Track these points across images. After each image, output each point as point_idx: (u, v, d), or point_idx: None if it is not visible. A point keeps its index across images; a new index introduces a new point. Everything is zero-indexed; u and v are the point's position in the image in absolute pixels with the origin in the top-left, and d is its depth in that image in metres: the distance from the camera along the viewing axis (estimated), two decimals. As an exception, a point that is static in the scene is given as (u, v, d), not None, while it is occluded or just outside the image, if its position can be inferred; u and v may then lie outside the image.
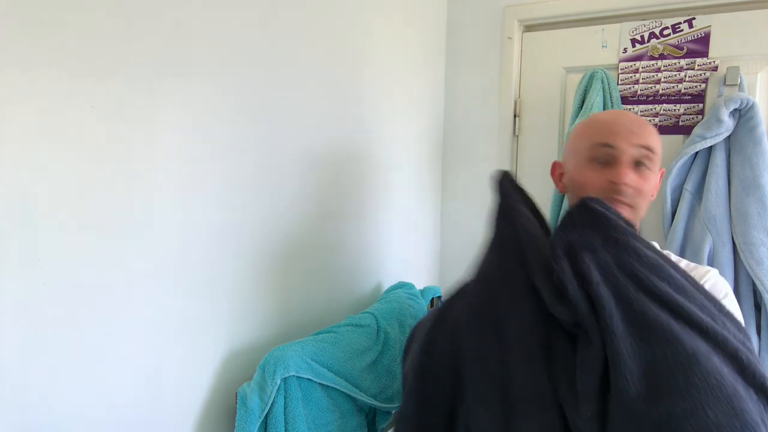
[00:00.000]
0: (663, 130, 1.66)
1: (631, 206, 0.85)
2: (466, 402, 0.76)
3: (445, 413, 0.80)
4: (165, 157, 0.95)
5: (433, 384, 0.82)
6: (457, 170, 1.99)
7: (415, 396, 0.83)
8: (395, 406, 1.37)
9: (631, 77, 1.69)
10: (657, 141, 0.88)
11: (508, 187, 0.85)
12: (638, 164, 0.86)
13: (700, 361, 0.60)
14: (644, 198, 0.87)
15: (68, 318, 0.82)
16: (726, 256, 1.47)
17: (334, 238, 1.41)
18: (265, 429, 1.07)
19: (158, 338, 0.97)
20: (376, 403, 1.27)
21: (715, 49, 1.58)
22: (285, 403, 1.08)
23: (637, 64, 1.68)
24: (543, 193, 1.82)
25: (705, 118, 1.53)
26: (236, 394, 1.07)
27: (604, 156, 0.86)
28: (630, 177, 0.84)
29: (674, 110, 1.64)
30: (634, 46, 1.68)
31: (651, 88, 1.67)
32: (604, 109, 1.64)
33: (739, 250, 1.45)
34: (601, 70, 1.66)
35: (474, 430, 0.74)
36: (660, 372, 0.60)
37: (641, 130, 0.85)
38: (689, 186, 1.54)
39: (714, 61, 1.58)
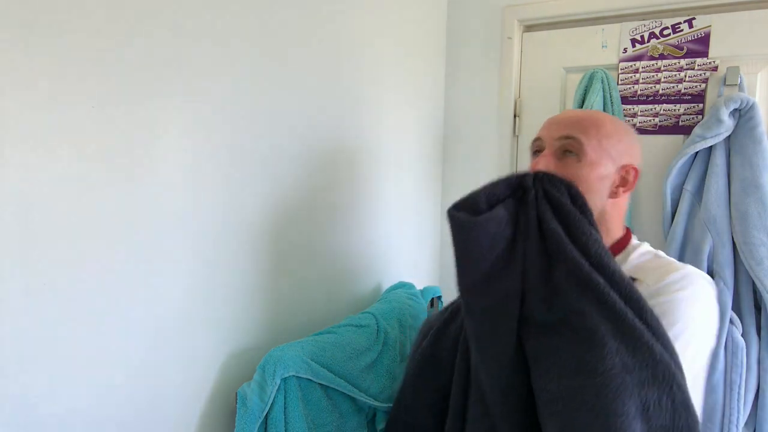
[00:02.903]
0: (663, 130, 1.66)
1: None
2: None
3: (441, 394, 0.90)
4: (165, 157, 0.95)
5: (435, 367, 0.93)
6: (457, 170, 1.99)
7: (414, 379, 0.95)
8: (395, 406, 1.37)
9: (631, 77, 1.69)
10: (590, 131, 0.87)
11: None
12: (563, 153, 0.87)
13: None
14: None
15: (68, 318, 0.82)
16: (726, 256, 1.47)
17: (334, 239, 1.41)
18: (265, 429, 1.07)
19: (158, 338, 0.97)
20: (375, 403, 1.27)
21: (715, 49, 1.58)
22: (285, 403, 1.08)
23: (637, 64, 1.68)
24: (543, 193, 1.82)
25: (705, 118, 1.53)
26: (236, 394, 1.07)
27: (536, 148, 0.93)
28: (542, 164, 0.86)
29: (674, 110, 1.64)
30: (634, 46, 1.68)
31: (651, 88, 1.67)
32: (604, 109, 1.64)
33: (739, 250, 1.45)
34: (601, 70, 1.66)
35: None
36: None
37: (571, 122, 0.88)
38: (689, 186, 1.54)
39: (714, 61, 1.58)
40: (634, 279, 0.83)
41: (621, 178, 0.88)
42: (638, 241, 0.95)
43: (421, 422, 0.95)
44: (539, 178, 0.81)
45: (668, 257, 0.91)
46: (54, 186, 0.79)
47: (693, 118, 1.62)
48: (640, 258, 0.90)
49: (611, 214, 0.90)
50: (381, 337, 1.34)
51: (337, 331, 1.26)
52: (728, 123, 1.46)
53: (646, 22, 1.66)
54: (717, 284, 1.47)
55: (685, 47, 1.62)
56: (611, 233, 0.91)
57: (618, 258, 0.89)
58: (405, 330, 1.43)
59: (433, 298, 1.65)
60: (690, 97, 1.62)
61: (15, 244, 0.75)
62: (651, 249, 0.93)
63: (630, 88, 1.69)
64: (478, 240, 0.73)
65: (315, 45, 1.29)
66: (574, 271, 0.71)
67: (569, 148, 0.87)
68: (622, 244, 0.92)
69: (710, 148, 1.51)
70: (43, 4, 0.76)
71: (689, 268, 0.85)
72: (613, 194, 0.88)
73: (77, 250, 0.83)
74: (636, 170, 0.89)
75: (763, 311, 1.45)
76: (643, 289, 0.81)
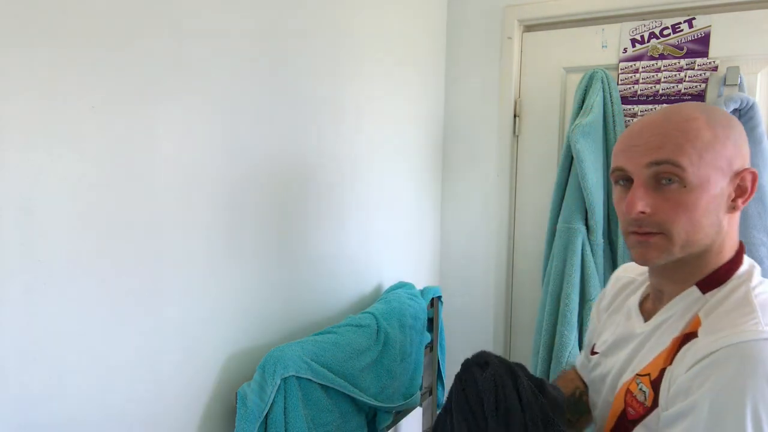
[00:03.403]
0: (663, 130, 1.66)
1: (661, 233, 0.71)
2: None
3: None
4: (165, 157, 0.95)
5: None
6: (457, 170, 1.99)
7: None
8: (395, 405, 1.37)
9: (631, 77, 1.69)
10: (686, 146, 0.69)
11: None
12: (659, 182, 0.71)
13: None
14: (685, 220, 0.70)
15: (68, 318, 0.82)
16: (726, 256, 1.47)
17: (334, 239, 1.41)
18: (265, 429, 1.07)
19: (158, 338, 0.97)
20: (376, 402, 1.27)
21: (715, 49, 1.58)
22: (285, 403, 1.08)
23: (637, 64, 1.68)
24: (543, 194, 1.83)
25: (705, 118, 1.53)
26: (236, 394, 1.07)
27: (620, 179, 0.76)
28: (641, 204, 0.71)
29: (674, 110, 1.64)
30: (634, 46, 1.68)
31: (651, 88, 1.67)
32: (604, 110, 1.64)
33: (739, 250, 1.45)
34: (601, 70, 1.66)
35: None
36: None
37: (659, 140, 0.70)
38: (689, 186, 1.54)
39: (714, 61, 1.58)
40: (694, 334, 0.69)
41: (738, 187, 0.72)
42: (749, 266, 0.76)
43: None
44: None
45: (759, 301, 0.68)
46: (54, 186, 0.79)
47: (693, 118, 1.61)
48: (727, 299, 0.71)
49: (728, 231, 0.74)
50: (381, 337, 1.34)
51: (337, 331, 1.26)
52: (728, 123, 1.46)
53: (646, 22, 1.66)
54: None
55: (685, 47, 1.62)
56: (724, 254, 0.75)
57: (707, 295, 0.73)
58: (405, 330, 1.44)
59: (433, 298, 1.65)
60: (690, 97, 1.62)
61: (15, 244, 0.75)
62: (750, 287, 0.72)
63: (630, 88, 1.69)
64: None
65: (314, 46, 1.29)
66: None
67: (666, 176, 0.70)
68: (729, 269, 0.75)
69: (710, 148, 1.51)
70: (43, 5, 0.76)
71: (752, 332, 0.63)
72: (732, 209, 0.72)
73: (77, 251, 0.83)
74: (753, 173, 0.72)
75: (763, 311, 1.45)
76: (692, 349, 0.68)
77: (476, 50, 1.91)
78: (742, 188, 0.72)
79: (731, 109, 1.44)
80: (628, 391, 0.77)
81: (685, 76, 1.62)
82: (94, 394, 0.87)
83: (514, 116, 1.88)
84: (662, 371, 0.72)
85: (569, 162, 1.65)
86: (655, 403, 0.71)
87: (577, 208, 1.63)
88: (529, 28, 1.86)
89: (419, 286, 1.69)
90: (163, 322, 0.97)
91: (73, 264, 0.82)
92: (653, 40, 1.66)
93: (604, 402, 0.84)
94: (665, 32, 1.64)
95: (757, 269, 0.77)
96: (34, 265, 0.77)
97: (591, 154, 1.59)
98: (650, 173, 0.71)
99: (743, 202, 0.73)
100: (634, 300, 0.87)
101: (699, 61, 1.60)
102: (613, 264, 1.67)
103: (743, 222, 1.44)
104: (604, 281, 1.65)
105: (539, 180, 1.86)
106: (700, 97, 1.60)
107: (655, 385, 0.72)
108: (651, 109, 1.67)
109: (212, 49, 1.02)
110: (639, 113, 1.68)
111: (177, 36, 0.95)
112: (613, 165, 0.78)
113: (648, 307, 0.83)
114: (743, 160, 0.73)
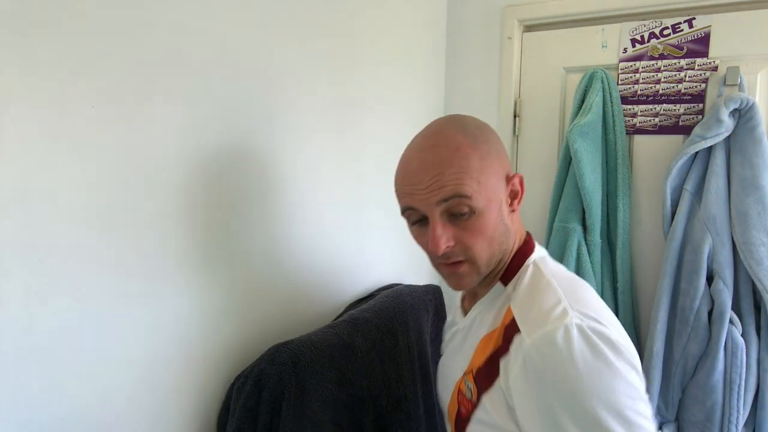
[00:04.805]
0: (663, 130, 1.67)
1: (466, 261, 0.76)
2: None
3: None
4: (165, 157, 0.95)
5: None
6: (457, 170, 1.98)
7: None
8: (395, 405, 1.37)
9: (631, 77, 1.69)
10: (466, 179, 0.72)
11: None
12: (453, 215, 0.74)
13: None
14: (482, 242, 0.74)
15: (68, 318, 0.82)
16: (726, 256, 1.47)
17: (334, 238, 1.41)
18: (265, 429, 1.07)
19: (158, 337, 0.97)
20: (375, 402, 1.27)
21: (715, 49, 1.58)
22: (285, 402, 1.08)
23: (637, 64, 1.68)
24: (543, 194, 1.83)
25: (705, 118, 1.53)
26: (236, 393, 1.08)
27: (415, 218, 0.78)
28: (444, 240, 0.73)
29: (674, 110, 1.64)
30: (634, 46, 1.68)
31: (651, 88, 1.67)
32: (603, 109, 1.64)
33: (738, 250, 1.45)
34: (601, 70, 1.66)
35: None
36: None
37: (441, 179, 0.72)
38: (689, 186, 1.54)
39: (714, 61, 1.58)
40: (514, 325, 0.71)
41: (511, 192, 0.79)
42: (538, 254, 0.81)
43: None
44: None
45: (549, 281, 0.73)
46: (54, 186, 0.79)
47: (693, 118, 1.62)
48: (525, 284, 0.76)
49: (512, 227, 0.80)
50: (381, 337, 1.34)
51: (336, 331, 1.26)
52: (728, 123, 1.46)
53: (646, 22, 1.66)
54: (717, 284, 1.47)
55: (685, 47, 1.62)
56: (513, 248, 0.81)
57: (507, 286, 0.79)
58: (405, 330, 1.43)
59: (432, 298, 1.65)
60: (690, 97, 1.62)
61: (15, 245, 0.75)
62: (538, 266, 0.77)
63: (630, 88, 1.70)
64: None
65: (313, 46, 1.29)
66: None
67: (457, 209, 0.73)
68: (519, 258, 0.79)
69: (710, 148, 1.51)
70: (42, 4, 0.76)
71: (552, 321, 0.66)
72: (511, 211, 0.79)
73: (77, 250, 0.83)
74: (519, 177, 0.78)
75: (762, 311, 1.45)
76: (517, 348, 0.69)
77: (476, 50, 1.91)
78: (515, 192, 0.79)
79: (731, 109, 1.45)
80: (459, 391, 0.80)
81: (685, 76, 1.62)
82: (93, 393, 0.87)
83: (514, 116, 1.88)
84: (488, 364, 0.74)
85: (568, 162, 1.66)
86: (479, 398, 0.74)
87: (573, 208, 1.64)
88: (529, 28, 1.86)
89: (419, 286, 1.69)
90: (162, 322, 0.97)
91: (72, 264, 0.82)
92: (653, 40, 1.66)
93: (451, 404, 0.85)
94: (665, 32, 1.64)
95: (547, 257, 0.82)
96: (34, 265, 0.78)
97: (589, 154, 1.59)
98: (442, 209, 0.74)
99: (518, 203, 0.79)
100: (458, 298, 0.93)
101: (699, 61, 1.60)
102: (612, 264, 1.67)
103: (743, 222, 1.43)
104: (602, 281, 1.65)
105: (539, 180, 1.86)
106: (700, 97, 1.60)
107: (477, 379, 0.75)
108: (651, 109, 1.67)
109: (213, 47, 1.02)
110: (639, 113, 1.68)
111: (179, 34, 0.96)
112: (402, 205, 0.79)
113: (466, 305, 0.88)
114: (508, 166, 0.79)
